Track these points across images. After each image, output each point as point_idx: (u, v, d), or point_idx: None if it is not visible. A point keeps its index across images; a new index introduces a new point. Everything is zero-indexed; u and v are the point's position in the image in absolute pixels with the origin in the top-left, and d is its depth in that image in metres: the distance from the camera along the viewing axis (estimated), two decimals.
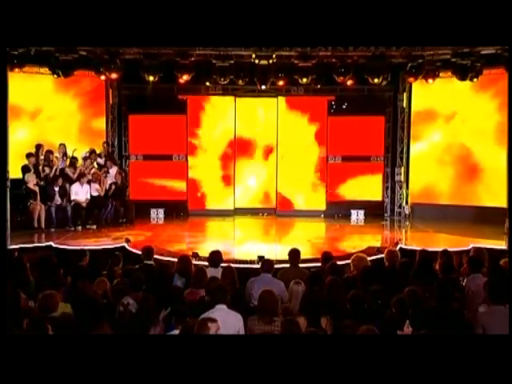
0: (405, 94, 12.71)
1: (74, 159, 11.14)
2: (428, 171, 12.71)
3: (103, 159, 11.68)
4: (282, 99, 13.07)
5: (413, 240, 10.18)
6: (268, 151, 13.06)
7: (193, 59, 10.29)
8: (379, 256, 7.44)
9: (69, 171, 10.93)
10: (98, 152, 11.68)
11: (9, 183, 8.11)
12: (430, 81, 10.79)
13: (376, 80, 10.52)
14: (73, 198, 10.63)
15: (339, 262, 6.29)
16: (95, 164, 11.43)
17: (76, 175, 10.87)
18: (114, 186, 11.28)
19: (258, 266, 6.26)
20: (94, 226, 10.59)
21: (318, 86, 12.29)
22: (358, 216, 12.74)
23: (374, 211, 12.80)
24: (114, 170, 11.57)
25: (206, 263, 6.37)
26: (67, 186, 10.72)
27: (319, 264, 6.47)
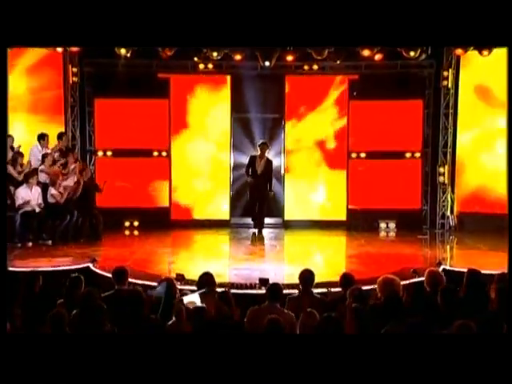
0: (450, 70, 12.73)
1: (17, 154, 11.06)
2: (480, 171, 12.70)
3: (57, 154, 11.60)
4: (291, 79, 13.11)
5: (460, 259, 10.16)
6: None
7: None
8: (416, 279, 7.44)
9: (12, 171, 10.82)
10: (52, 147, 11.67)
11: None
12: (485, 53, 10.77)
13: (412, 53, 10.57)
14: (18, 203, 10.51)
15: (365, 288, 6.29)
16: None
17: (22, 175, 10.79)
18: (78, 191, 11.22)
19: (261, 291, 6.25)
20: (49, 242, 10.57)
21: (338, 62, 12.33)
22: (388, 228, 12.79)
23: (409, 222, 12.82)
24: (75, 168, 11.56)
25: (195, 288, 6.39)
26: (12, 189, 10.63)
27: (339, 289, 6.48)
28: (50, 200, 10.83)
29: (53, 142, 11.73)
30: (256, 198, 12.02)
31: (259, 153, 11.93)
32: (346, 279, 6.41)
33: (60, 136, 11.88)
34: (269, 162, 11.97)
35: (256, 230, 12.14)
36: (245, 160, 12.46)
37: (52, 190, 10.88)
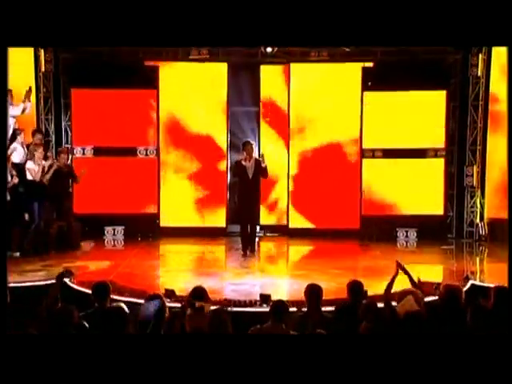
0: (480, 56, 12.76)
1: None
2: None
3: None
4: (296, 67, 13.18)
5: (492, 273, 10.16)
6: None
7: None
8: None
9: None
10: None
11: None
12: None
13: None
14: None
15: (380, 305, 6.28)
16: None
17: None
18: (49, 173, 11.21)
19: (262, 309, 6.25)
20: (17, 254, 10.58)
21: (349, 49, 12.35)
22: (407, 237, 12.82)
23: (432, 230, 12.86)
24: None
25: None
26: None
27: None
28: (28, 176, 10.80)
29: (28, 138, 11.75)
30: (247, 207, 11.36)
31: (245, 155, 11.21)
32: (355, 288, 6.39)
33: (35, 133, 11.86)
34: (258, 163, 11.34)
35: (247, 246, 11.35)
36: None
37: (29, 164, 10.83)
